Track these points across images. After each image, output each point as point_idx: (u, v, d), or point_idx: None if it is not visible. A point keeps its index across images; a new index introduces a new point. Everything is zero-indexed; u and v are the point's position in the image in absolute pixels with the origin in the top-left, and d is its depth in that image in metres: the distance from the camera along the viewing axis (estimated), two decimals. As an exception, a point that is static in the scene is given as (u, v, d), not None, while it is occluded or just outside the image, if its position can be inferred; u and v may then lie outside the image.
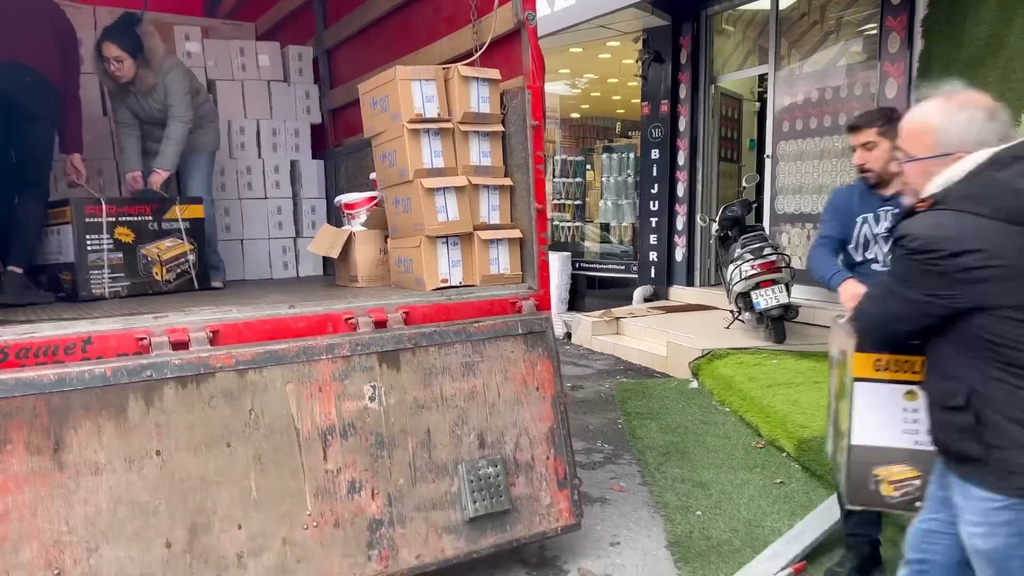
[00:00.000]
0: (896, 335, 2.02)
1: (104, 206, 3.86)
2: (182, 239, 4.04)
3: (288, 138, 5.34)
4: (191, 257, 4.05)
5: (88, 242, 3.81)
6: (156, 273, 3.99)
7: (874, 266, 3.03)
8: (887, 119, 2.91)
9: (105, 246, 3.84)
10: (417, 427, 2.98)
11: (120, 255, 3.89)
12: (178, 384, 2.61)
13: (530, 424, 3.26)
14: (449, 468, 3.03)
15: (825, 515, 3.43)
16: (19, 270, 3.72)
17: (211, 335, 2.78)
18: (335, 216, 4.81)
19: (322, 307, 3.05)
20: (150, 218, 3.99)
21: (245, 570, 2.66)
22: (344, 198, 4.11)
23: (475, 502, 3.04)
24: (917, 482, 2.16)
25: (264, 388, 2.75)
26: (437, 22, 4.11)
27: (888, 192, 2.97)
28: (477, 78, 3.45)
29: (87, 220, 3.82)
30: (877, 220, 3.03)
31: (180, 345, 2.73)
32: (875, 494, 2.19)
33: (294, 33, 5.71)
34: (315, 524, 2.77)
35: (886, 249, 2.98)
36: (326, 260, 4.93)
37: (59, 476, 2.42)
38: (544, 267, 3.49)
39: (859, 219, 3.04)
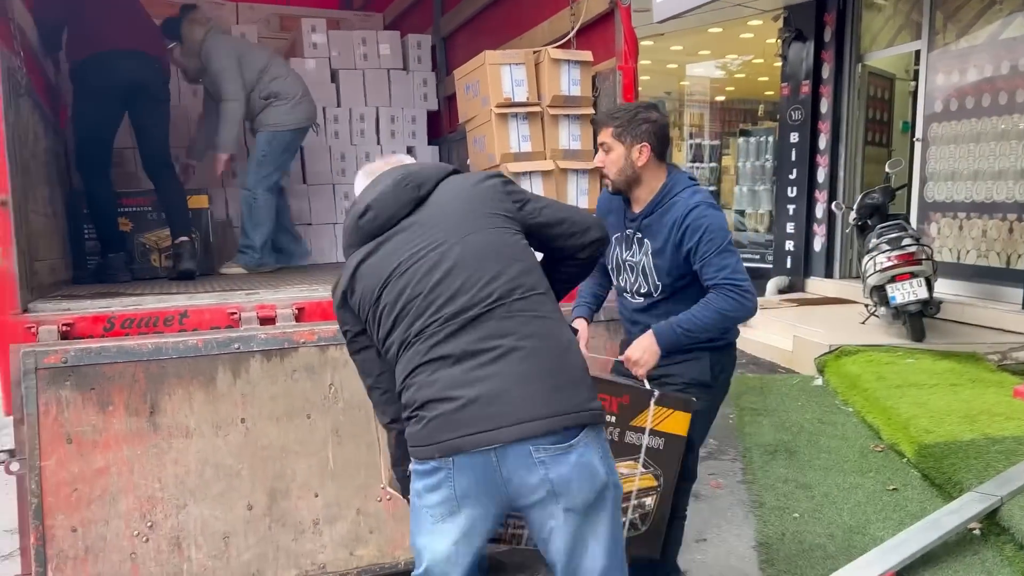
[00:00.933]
0: None
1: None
2: None
3: (406, 125, 5.49)
4: (193, 246, 4.20)
5: (86, 231, 4.10)
6: (154, 260, 4.24)
7: (624, 297, 2.62)
8: (628, 119, 2.45)
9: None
10: (491, 409, 3.00)
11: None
12: (263, 357, 2.77)
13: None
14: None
15: (933, 526, 3.15)
16: (186, 238, 4.06)
17: (297, 312, 2.93)
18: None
19: (403, 287, 3.13)
20: (149, 208, 4.24)
21: (320, 536, 2.80)
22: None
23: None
24: None
25: (344, 364, 2.85)
26: (540, 5, 4.08)
27: (635, 209, 2.54)
28: (568, 60, 3.41)
29: (84, 212, 4.09)
30: (627, 245, 2.58)
31: (267, 320, 2.89)
32: None
33: (417, 21, 5.86)
34: (388, 497, 2.85)
35: (634, 282, 2.57)
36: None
37: (153, 437, 2.63)
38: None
39: (614, 237, 2.59)
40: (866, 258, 6.16)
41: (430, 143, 5.56)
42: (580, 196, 3.46)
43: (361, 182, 2.09)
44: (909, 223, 6.35)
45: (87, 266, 4.13)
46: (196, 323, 2.81)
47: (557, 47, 3.47)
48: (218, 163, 4.44)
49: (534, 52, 3.44)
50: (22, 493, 2.50)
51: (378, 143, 5.42)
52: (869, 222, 6.50)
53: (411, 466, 1.87)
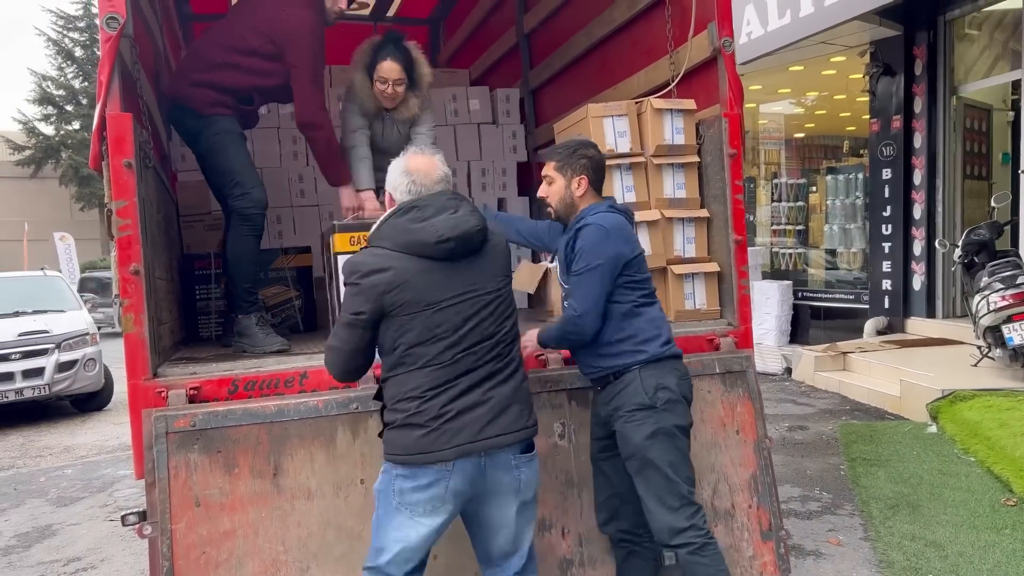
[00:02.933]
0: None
1: (212, 260, 4.23)
2: (288, 286, 4.33)
3: (496, 177, 5.55)
4: (296, 303, 4.31)
5: (197, 292, 4.17)
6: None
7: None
8: (568, 154, 2.76)
9: (213, 295, 4.20)
10: (608, 467, 2.93)
11: (225, 303, 4.12)
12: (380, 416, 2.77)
13: (729, 469, 3.09)
14: (641, 511, 2.94)
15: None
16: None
17: (411, 370, 2.92)
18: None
19: (514, 344, 3.11)
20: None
21: (440, 599, 2.75)
22: (541, 235, 4.16)
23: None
24: None
25: (458, 423, 2.84)
26: (635, 55, 4.09)
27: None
28: (671, 109, 3.39)
29: (196, 272, 4.18)
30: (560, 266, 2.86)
31: (383, 380, 2.89)
32: None
33: (503, 76, 5.95)
34: (506, 559, 2.79)
35: (565, 296, 2.79)
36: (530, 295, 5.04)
37: (277, 499, 2.65)
38: (744, 302, 3.31)
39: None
40: (977, 297, 5.88)
41: (520, 194, 5.59)
42: (687, 244, 3.39)
43: (402, 182, 2.41)
44: (1022, 259, 6.03)
45: (198, 327, 4.26)
46: (315, 384, 2.83)
47: (659, 96, 3.45)
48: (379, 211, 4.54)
49: (636, 102, 3.43)
50: (154, 556, 2.54)
51: (470, 195, 5.47)
52: (976, 259, 6.22)
53: (398, 471, 2.26)
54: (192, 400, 2.69)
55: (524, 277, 4.05)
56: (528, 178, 5.67)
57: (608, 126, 3.36)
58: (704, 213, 3.41)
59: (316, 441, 2.70)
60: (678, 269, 3.34)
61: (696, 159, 3.42)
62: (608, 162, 3.32)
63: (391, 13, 6.82)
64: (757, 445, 3.11)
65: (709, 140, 3.38)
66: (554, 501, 2.90)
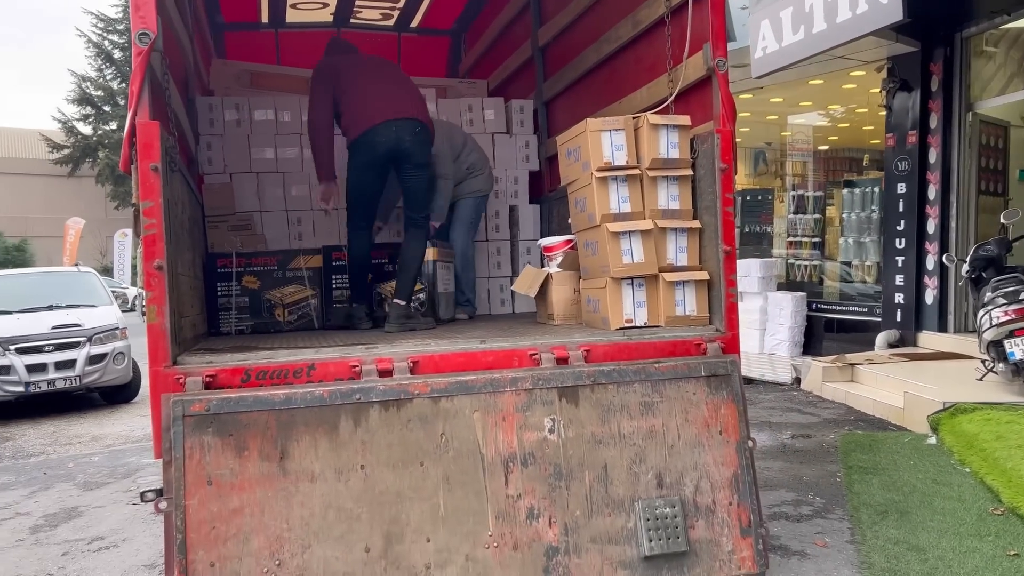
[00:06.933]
0: None
1: (234, 259, 4.47)
2: (304, 285, 4.54)
3: (508, 185, 5.75)
4: (312, 301, 4.55)
5: (219, 289, 4.43)
6: (278, 315, 4.52)
7: None
8: None
9: (233, 292, 4.43)
10: (594, 461, 3.10)
11: (246, 299, 4.48)
12: (381, 407, 2.97)
13: (712, 468, 3.24)
14: (625, 504, 3.11)
15: (1057, 596, 3.02)
16: (403, 302, 4.30)
17: (412, 365, 3.13)
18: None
19: (509, 343, 3.30)
20: (275, 268, 4.56)
21: (431, 580, 2.94)
22: (544, 241, 4.37)
23: (651, 540, 3.08)
24: None
25: (454, 415, 3.04)
26: (638, 72, 4.27)
27: None
28: (667, 125, 3.56)
29: (219, 270, 4.44)
30: None
31: (385, 373, 3.10)
32: None
33: (520, 87, 6.16)
34: (495, 544, 2.98)
35: None
36: (537, 298, 5.23)
37: (283, 481, 2.85)
38: (732, 309, 3.47)
39: None
40: (981, 312, 5.96)
41: (531, 202, 5.79)
42: (679, 254, 3.56)
43: None
44: (1028, 276, 6.09)
45: (219, 322, 4.51)
46: (322, 375, 3.05)
47: (656, 112, 3.62)
48: (432, 228, 4.88)
49: (633, 118, 3.61)
50: (169, 529, 2.76)
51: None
52: (984, 275, 6.30)
53: None
54: (208, 387, 2.91)
55: (527, 281, 4.24)
56: (539, 187, 5.86)
57: (606, 140, 3.54)
58: (696, 224, 3.57)
59: (320, 428, 2.90)
60: (669, 277, 3.50)
61: (690, 172, 3.59)
62: (604, 174, 3.52)
63: (414, 24, 7.06)
64: (739, 445, 3.26)
65: (703, 155, 3.55)
66: (543, 492, 3.07)
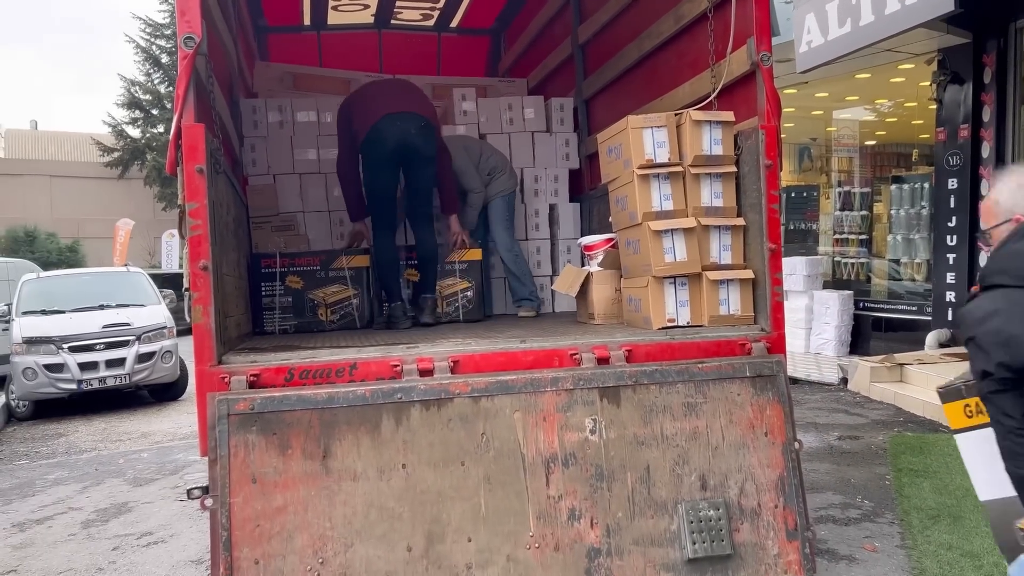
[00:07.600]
0: None
1: (278, 259, 4.50)
2: (347, 285, 4.56)
3: (548, 183, 5.73)
4: (354, 301, 4.57)
5: (263, 289, 4.47)
6: (321, 314, 4.55)
7: None
8: None
9: (277, 292, 4.46)
10: (636, 462, 3.07)
11: (289, 299, 4.51)
12: (423, 406, 2.98)
13: (757, 470, 3.18)
14: (668, 506, 3.07)
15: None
16: (431, 295, 4.62)
17: (452, 364, 3.13)
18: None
19: (550, 343, 3.28)
20: (318, 267, 4.58)
21: (473, 580, 2.93)
22: (584, 240, 4.34)
23: (695, 543, 3.04)
24: None
25: (495, 414, 3.03)
26: (680, 68, 4.21)
27: None
28: (710, 121, 3.50)
29: (263, 271, 4.48)
30: None
31: (426, 372, 3.10)
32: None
33: (559, 85, 6.12)
34: (537, 545, 2.96)
35: None
36: (579, 297, 5.20)
37: (326, 479, 2.87)
38: (778, 308, 3.40)
39: None
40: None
41: (571, 200, 5.76)
42: (723, 252, 3.50)
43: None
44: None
45: (263, 321, 4.56)
46: (364, 374, 3.06)
47: (699, 108, 3.57)
48: (462, 236, 4.97)
49: (676, 114, 3.56)
50: (214, 526, 2.79)
51: (522, 201, 5.67)
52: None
53: None
54: (252, 386, 2.93)
55: (567, 280, 4.22)
56: (580, 185, 5.83)
57: (647, 137, 3.49)
58: (740, 221, 3.51)
59: (363, 427, 2.92)
60: (713, 275, 3.45)
61: (733, 169, 3.53)
62: (647, 171, 3.48)
63: (454, 24, 7.07)
64: (785, 447, 3.20)
65: (747, 151, 3.48)
66: (584, 492, 3.05)
